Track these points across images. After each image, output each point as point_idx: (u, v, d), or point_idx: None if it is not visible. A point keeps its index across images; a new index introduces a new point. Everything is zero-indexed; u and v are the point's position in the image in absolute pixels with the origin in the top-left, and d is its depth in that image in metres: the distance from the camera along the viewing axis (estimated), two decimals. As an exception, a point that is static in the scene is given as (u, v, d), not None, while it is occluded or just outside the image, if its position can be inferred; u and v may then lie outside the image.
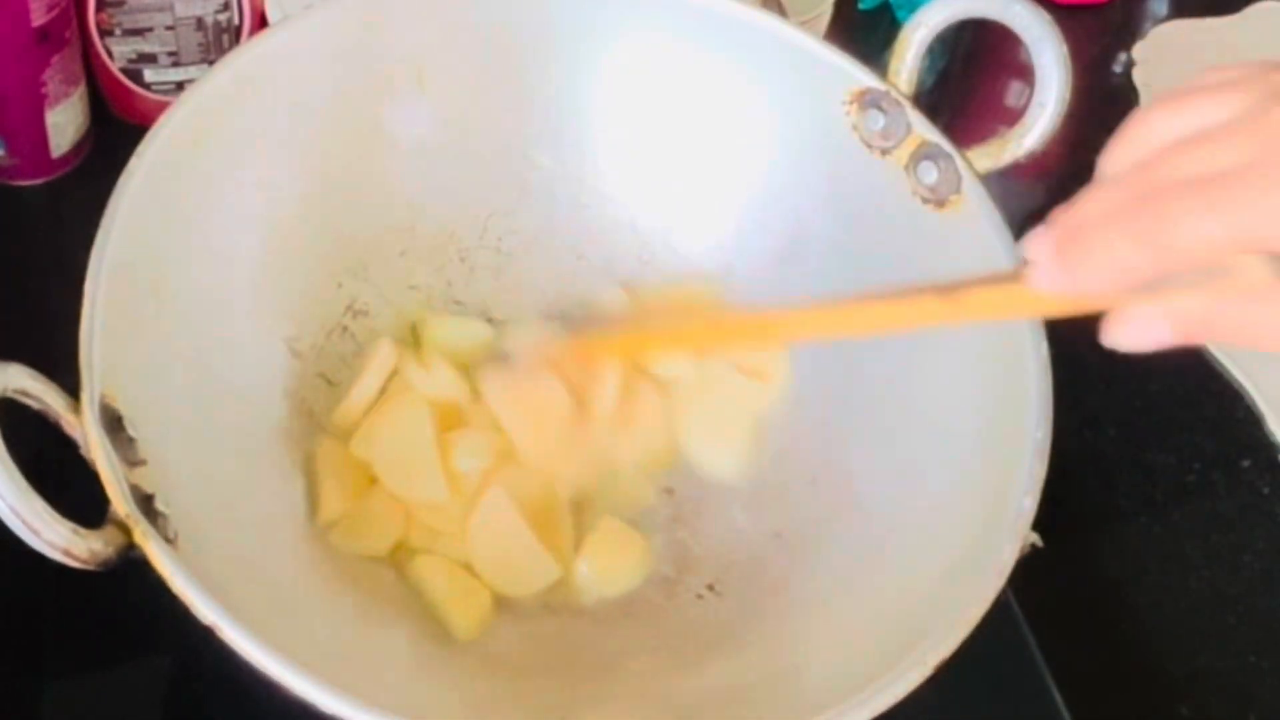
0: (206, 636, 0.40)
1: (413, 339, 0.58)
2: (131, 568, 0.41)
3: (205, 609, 0.40)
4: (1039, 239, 0.36)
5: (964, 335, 0.53)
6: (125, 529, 0.41)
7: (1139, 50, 0.83)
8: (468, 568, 0.52)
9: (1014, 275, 0.38)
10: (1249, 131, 0.34)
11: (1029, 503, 0.46)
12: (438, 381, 0.55)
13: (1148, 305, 0.36)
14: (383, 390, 0.55)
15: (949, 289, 0.40)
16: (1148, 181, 0.35)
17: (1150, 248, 0.34)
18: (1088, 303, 0.37)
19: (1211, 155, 0.34)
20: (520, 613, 0.53)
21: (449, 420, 0.55)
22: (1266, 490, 0.64)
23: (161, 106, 0.52)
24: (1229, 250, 0.34)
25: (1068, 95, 0.55)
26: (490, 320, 0.60)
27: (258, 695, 0.40)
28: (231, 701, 0.49)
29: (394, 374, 0.56)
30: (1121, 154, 0.37)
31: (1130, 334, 0.36)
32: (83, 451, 0.42)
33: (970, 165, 0.55)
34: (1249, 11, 0.86)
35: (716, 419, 0.55)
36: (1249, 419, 0.66)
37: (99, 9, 0.66)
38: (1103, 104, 0.80)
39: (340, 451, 0.53)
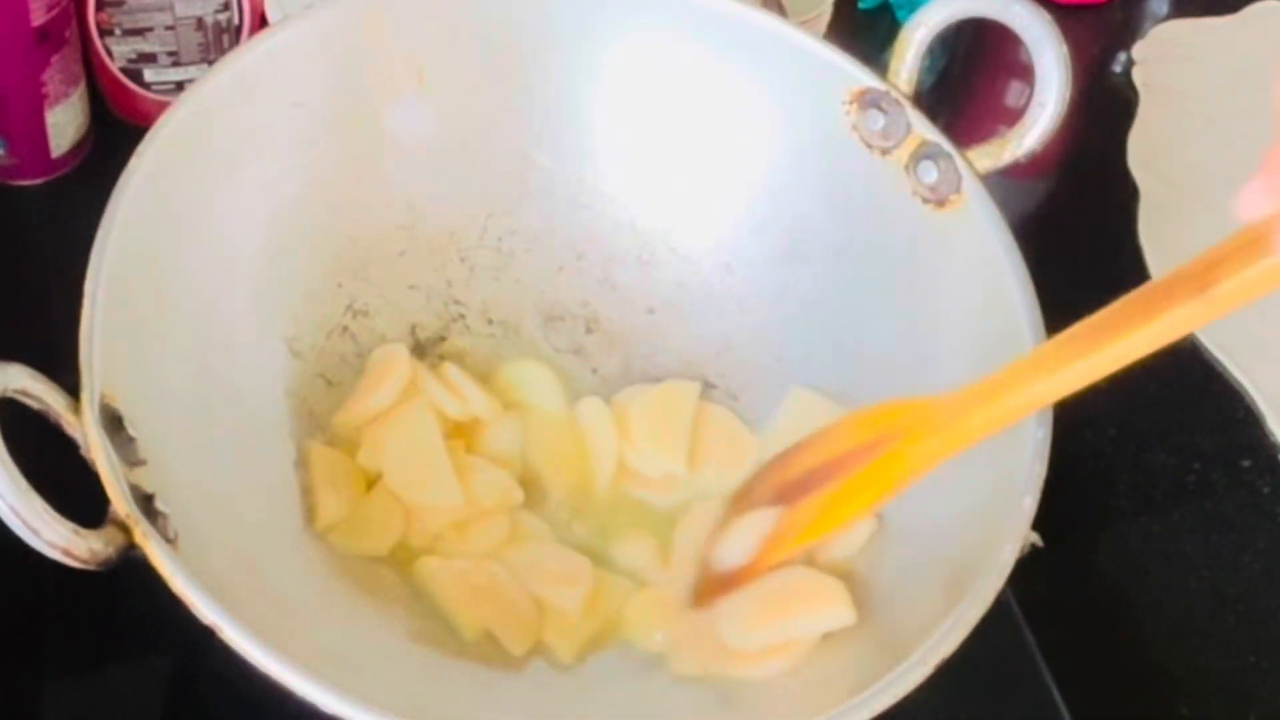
0: (207, 637, 0.40)
1: (413, 340, 0.58)
2: (131, 568, 0.41)
3: (206, 609, 0.40)
4: (1265, 192, 0.33)
5: (964, 337, 0.53)
6: (125, 529, 0.41)
7: (1139, 50, 0.83)
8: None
9: (1252, 243, 0.35)
10: None
11: (1029, 503, 0.46)
12: (469, 406, 0.55)
13: None
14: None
15: (1194, 285, 0.37)
16: None
17: None
18: None
19: None
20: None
21: (453, 429, 0.55)
22: (1266, 490, 0.64)
23: (161, 106, 0.52)
24: None
25: (1068, 95, 0.55)
26: (490, 321, 0.60)
27: (258, 695, 0.40)
28: (231, 701, 0.49)
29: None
30: None
31: None
32: (83, 451, 0.42)
33: (970, 165, 0.55)
34: (1249, 11, 0.86)
35: None
36: (1249, 419, 0.66)
37: (99, 9, 0.66)
38: (1103, 104, 0.80)
39: (333, 456, 0.53)
